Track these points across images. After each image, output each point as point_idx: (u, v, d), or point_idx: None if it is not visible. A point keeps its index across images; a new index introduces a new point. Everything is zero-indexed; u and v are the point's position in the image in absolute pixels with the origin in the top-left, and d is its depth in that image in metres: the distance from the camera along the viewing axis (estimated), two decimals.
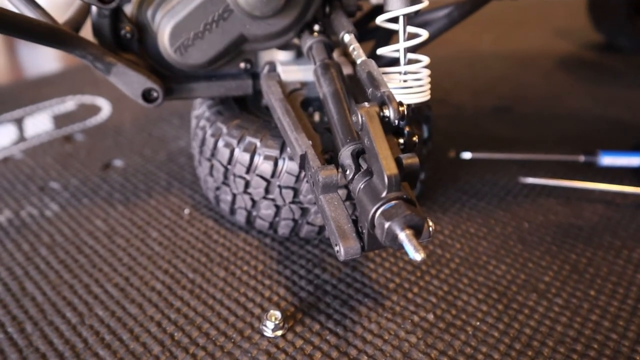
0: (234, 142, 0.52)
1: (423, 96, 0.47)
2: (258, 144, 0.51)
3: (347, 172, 0.41)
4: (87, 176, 0.68)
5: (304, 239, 0.56)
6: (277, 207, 0.53)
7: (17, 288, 0.50)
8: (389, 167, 0.36)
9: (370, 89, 0.42)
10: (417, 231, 0.36)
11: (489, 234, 0.56)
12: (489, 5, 0.59)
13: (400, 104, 0.40)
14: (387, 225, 0.35)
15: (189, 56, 0.50)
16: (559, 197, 0.62)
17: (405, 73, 0.46)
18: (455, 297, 0.48)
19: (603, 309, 0.47)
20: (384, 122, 0.40)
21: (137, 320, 0.46)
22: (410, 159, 0.42)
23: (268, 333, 0.44)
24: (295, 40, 0.55)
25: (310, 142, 0.46)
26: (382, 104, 0.39)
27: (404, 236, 0.34)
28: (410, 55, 0.47)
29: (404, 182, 0.42)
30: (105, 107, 0.88)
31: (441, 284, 0.50)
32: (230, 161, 0.53)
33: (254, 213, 0.55)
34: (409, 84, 0.47)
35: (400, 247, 0.34)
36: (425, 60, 0.47)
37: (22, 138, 0.77)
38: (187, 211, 0.61)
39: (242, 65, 0.55)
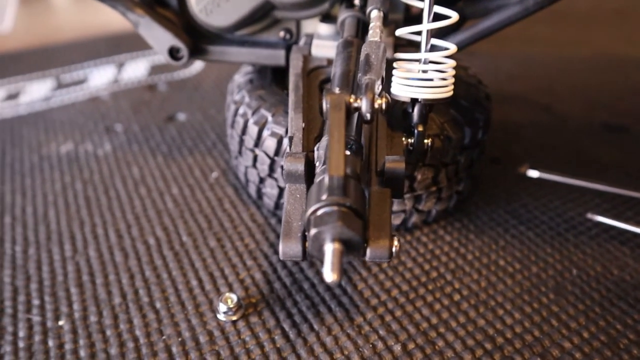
0: (249, 113, 0.50)
1: (442, 92, 0.39)
2: (269, 118, 0.48)
3: (317, 163, 0.36)
4: (148, 125, 0.71)
5: None
6: (280, 189, 0.50)
7: (42, 213, 0.55)
8: (334, 167, 0.30)
9: (360, 74, 0.36)
10: (352, 248, 0.30)
11: (519, 272, 0.46)
12: None
13: (384, 96, 0.33)
14: (313, 232, 0.30)
15: (213, 18, 0.48)
16: (636, 248, 0.49)
17: (425, 62, 0.39)
18: (438, 335, 0.41)
19: None
20: (362, 113, 0.34)
21: (116, 268, 0.47)
22: (394, 163, 0.36)
23: (220, 316, 0.42)
24: None
25: (304, 124, 0.42)
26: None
27: (329, 249, 0.29)
28: (435, 42, 0.39)
29: (385, 189, 0.37)
30: (198, 63, 0.91)
31: (430, 316, 0.42)
32: (244, 132, 0.51)
33: (262, 190, 0.52)
34: (428, 75, 0.39)
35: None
36: (452, 48, 0.38)
37: (115, 80, 0.84)
38: (214, 175, 0.60)
39: (282, 34, 0.52)
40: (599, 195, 0.55)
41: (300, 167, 0.36)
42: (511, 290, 0.45)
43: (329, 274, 0.28)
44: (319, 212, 0.31)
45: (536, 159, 0.62)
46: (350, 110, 0.33)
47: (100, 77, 0.85)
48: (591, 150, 0.65)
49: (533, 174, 0.56)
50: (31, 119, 0.73)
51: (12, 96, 0.80)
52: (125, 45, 0.97)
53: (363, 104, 0.32)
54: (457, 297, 0.44)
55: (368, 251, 0.33)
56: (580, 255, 0.48)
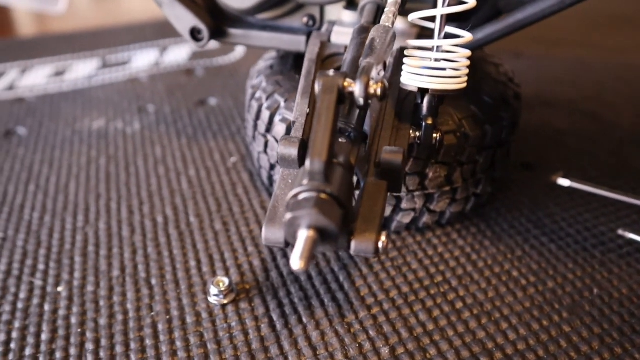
0: (264, 97, 0.49)
1: (453, 83, 0.37)
2: (282, 103, 0.47)
3: None
4: (180, 107, 0.73)
5: None
6: None
7: (64, 184, 0.57)
8: (317, 151, 0.29)
9: (362, 58, 0.34)
10: (328, 238, 0.29)
11: (533, 285, 0.43)
12: None
13: (381, 81, 0.32)
14: (288, 217, 0.29)
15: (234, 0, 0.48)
16: None
17: (437, 50, 0.37)
18: (431, 343, 0.38)
19: None
20: (355, 98, 0.32)
21: (121, 242, 0.48)
22: (391, 154, 0.35)
23: (210, 298, 0.42)
24: None
25: (308, 110, 0.40)
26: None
27: (303, 235, 0.28)
28: (450, 30, 0.37)
29: (381, 181, 0.35)
30: (240, 50, 0.92)
31: (426, 322, 0.40)
32: (257, 117, 0.50)
33: (273, 176, 0.51)
34: (441, 64, 0.37)
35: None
36: (467, 36, 0.36)
37: (156, 64, 0.86)
38: (233, 159, 0.60)
39: (305, 20, 0.51)
40: (637, 212, 0.50)
41: (293, 151, 0.35)
42: (520, 304, 0.41)
43: (296, 261, 0.27)
44: (299, 197, 0.29)
45: (573, 168, 0.57)
46: (343, 95, 0.31)
47: (142, 60, 0.87)
48: (635, 162, 0.59)
49: (564, 182, 0.52)
50: (72, 95, 0.76)
51: (59, 73, 0.83)
52: (172, 31, 0.99)
53: (356, 88, 0.31)
54: (459, 305, 0.41)
55: (352, 244, 0.31)
56: (605, 274, 0.44)
